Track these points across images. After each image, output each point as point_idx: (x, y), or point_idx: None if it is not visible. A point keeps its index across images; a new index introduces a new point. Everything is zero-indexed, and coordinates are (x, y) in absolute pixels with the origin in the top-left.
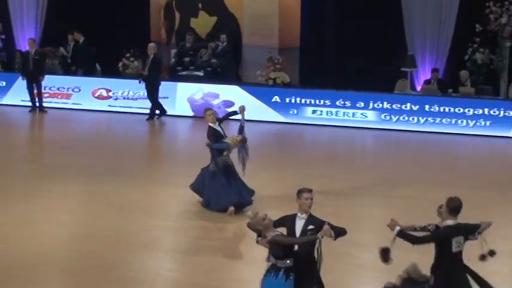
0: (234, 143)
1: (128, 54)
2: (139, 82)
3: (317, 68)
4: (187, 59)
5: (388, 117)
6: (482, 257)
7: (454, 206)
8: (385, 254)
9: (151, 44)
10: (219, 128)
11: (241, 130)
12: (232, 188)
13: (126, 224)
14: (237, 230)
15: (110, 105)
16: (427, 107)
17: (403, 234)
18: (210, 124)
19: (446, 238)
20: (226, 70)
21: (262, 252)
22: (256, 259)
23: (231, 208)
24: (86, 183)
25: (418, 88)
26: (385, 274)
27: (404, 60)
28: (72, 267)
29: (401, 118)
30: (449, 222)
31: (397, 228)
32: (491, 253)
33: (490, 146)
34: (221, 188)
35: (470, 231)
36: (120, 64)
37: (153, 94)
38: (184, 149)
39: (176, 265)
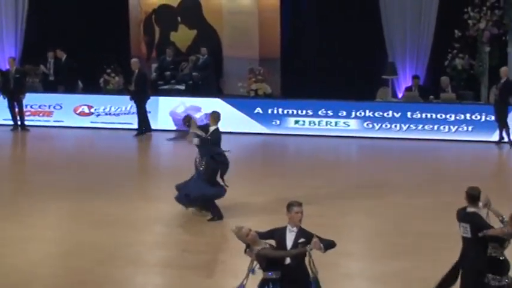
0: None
1: (108, 70)
2: (131, 99)
3: (298, 78)
4: (168, 72)
5: (370, 126)
6: None
7: (470, 194)
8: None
9: (134, 60)
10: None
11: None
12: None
13: (111, 240)
14: (223, 242)
15: (92, 122)
16: (409, 114)
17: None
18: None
19: (458, 220)
20: (208, 83)
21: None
22: (243, 271)
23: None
24: (69, 200)
25: (400, 95)
26: (372, 283)
27: (384, 68)
28: (57, 285)
29: (383, 126)
30: (469, 208)
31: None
32: None
33: (472, 151)
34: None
35: (478, 226)
36: (102, 80)
37: (140, 109)
38: (167, 163)
39: (163, 280)
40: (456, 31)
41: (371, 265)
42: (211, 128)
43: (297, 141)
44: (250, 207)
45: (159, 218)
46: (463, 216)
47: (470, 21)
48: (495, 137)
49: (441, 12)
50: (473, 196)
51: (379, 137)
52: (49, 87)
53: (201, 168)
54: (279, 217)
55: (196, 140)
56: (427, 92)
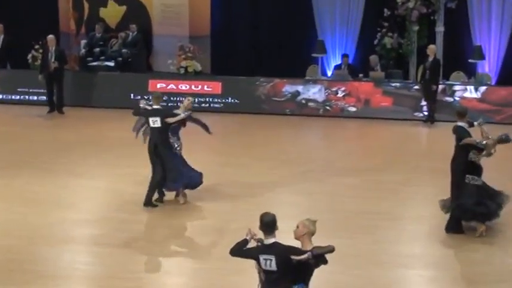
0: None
1: (37, 46)
2: (43, 76)
3: (228, 55)
4: (97, 49)
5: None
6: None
7: (458, 111)
8: None
9: (51, 36)
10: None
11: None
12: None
13: (39, 218)
14: (153, 221)
15: (18, 97)
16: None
17: None
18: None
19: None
20: (138, 60)
21: (179, 244)
22: (173, 251)
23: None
24: None
25: (329, 73)
26: None
27: (314, 46)
28: None
29: (312, 104)
30: (458, 123)
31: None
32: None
33: (400, 129)
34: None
35: (461, 136)
36: (30, 56)
37: (62, 86)
38: (95, 140)
39: (91, 258)
40: (385, 10)
41: None
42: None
43: (228, 118)
44: None
45: (87, 196)
46: (453, 129)
47: (399, 0)
48: (423, 115)
49: None
50: (459, 112)
51: (309, 115)
52: None
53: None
54: (209, 194)
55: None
56: (356, 71)
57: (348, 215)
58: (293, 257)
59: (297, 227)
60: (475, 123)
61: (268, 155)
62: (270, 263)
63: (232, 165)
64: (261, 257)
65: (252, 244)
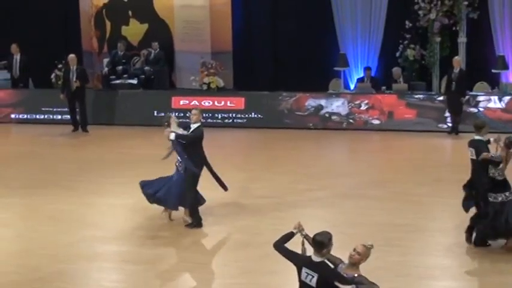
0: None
1: (60, 65)
2: (64, 94)
3: (251, 70)
4: (120, 67)
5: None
6: None
7: (475, 124)
8: None
9: (72, 56)
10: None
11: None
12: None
13: (65, 236)
14: (179, 238)
15: (41, 117)
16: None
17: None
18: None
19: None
20: (160, 77)
21: (206, 260)
22: (200, 267)
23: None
24: (20, 197)
25: (352, 87)
26: None
27: (336, 59)
28: (11, 282)
29: (335, 117)
30: (475, 136)
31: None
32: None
33: (424, 140)
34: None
35: (479, 150)
36: (53, 75)
37: (84, 105)
38: (120, 158)
39: (118, 275)
40: (407, 22)
41: None
42: (194, 125)
43: (252, 134)
44: (214, 200)
45: (112, 214)
46: (470, 142)
47: (420, 12)
48: (447, 126)
49: (392, 3)
50: (477, 126)
51: (332, 128)
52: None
53: (181, 171)
54: (231, 209)
55: (172, 135)
56: (379, 83)
57: (374, 228)
58: (337, 283)
59: (358, 253)
60: (491, 139)
61: (292, 169)
62: (312, 279)
63: (257, 180)
64: (304, 270)
65: (295, 248)
